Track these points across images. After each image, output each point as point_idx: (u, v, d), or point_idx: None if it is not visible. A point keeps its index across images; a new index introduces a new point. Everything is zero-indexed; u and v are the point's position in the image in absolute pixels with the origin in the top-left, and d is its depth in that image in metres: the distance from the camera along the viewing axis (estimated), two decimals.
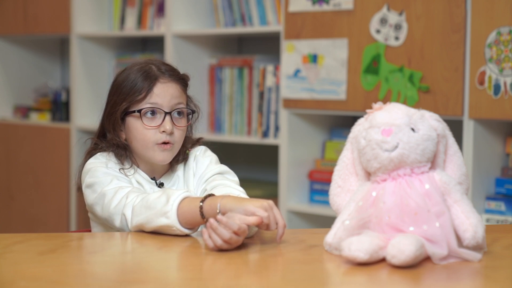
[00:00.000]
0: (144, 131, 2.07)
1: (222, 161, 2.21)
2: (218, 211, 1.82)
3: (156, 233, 1.90)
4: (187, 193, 1.89)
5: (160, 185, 2.13)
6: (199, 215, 1.84)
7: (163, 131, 2.06)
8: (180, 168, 2.16)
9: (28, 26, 4.62)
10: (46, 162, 4.54)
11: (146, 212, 1.89)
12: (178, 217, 1.85)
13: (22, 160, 4.64)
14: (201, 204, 1.84)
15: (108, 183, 2.01)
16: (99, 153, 2.12)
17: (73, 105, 4.44)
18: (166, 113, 2.07)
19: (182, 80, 2.13)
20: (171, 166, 2.16)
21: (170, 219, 1.85)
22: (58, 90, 4.70)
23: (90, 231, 2.16)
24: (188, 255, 1.77)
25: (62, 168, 4.45)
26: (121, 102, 2.08)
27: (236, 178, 2.13)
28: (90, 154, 2.13)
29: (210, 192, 1.96)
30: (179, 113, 2.10)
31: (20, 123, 4.73)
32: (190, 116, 2.14)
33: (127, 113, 2.09)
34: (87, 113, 4.44)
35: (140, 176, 2.11)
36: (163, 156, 2.08)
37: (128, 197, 1.96)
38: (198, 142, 2.21)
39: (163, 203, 1.86)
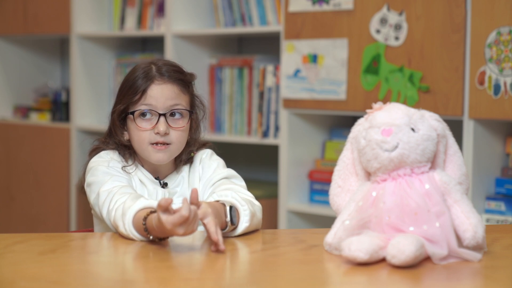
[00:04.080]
0: (139, 132, 2.08)
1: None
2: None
3: None
4: (138, 206, 1.86)
5: (164, 185, 2.13)
6: (148, 236, 1.83)
7: (157, 133, 2.06)
8: (185, 170, 2.16)
9: (28, 26, 4.62)
10: (46, 162, 4.54)
11: (118, 229, 1.91)
12: (140, 235, 1.85)
13: (22, 160, 4.64)
14: (144, 226, 1.81)
15: (105, 183, 2.02)
16: (103, 152, 2.13)
17: (73, 105, 4.45)
18: (160, 115, 2.07)
19: (181, 81, 2.11)
20: (176, 166, 2.16)
21: (136, 238, 1.86)
22: (58, 90, 4.70)
23: (90, 230, 2.16)
24: (188, 255, 1.77)
25: (62, 168, 4.45)
26: (119, 102, 2.09)
27: (243, 183, 2.12)
28: (95, 152, 2.14)
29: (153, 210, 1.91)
30: (176, 114, 2.09)
31: (20, 123, 4.73)
32: (190, 116, 2.13)
33: (126, 114, 2.09)
34: (87, 113, 4.44)
35: (144, 176, 2.11)
36: (158, 157, 2.08)
37: (112, 202, 1.96)
38: (205, 145, 2.20)
39: (122, 225, 1.88)
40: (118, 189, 1.99)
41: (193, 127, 2.16)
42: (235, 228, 1.92)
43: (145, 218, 1.81)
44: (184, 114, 2.10)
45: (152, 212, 1.81)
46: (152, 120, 2.07)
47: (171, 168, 2.16)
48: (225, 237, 1.89)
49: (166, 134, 2.07)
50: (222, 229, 1.88)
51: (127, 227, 1.86)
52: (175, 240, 1.86)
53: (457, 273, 1.61)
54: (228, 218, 1.88)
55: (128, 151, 2.12)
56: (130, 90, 2.08)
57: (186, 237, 1.87)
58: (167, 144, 2.08)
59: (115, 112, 2.10)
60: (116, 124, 2.11)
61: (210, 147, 2.21)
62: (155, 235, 1.81)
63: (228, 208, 1.90)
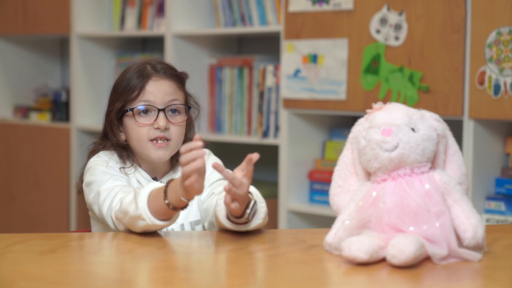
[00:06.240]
0: (139, 129, 2.08)
1: (223, 161, 2.20)
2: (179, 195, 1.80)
3: (156, 233, 1.91)
4: (151, 186, 1.87)
5: None
6: (168, 209, 1.82)
7: (157, 128, 2.07)
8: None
9: (28, 26, 4.62)
10: (46, 162, 4.54)
11: (125, 218, 1.89)
12: (153, 215, 1.84)
13: (22, 160, 4.64)
14: (165, 198, 1.82)
15: (105, 182, 2.02)
16: (102, 152, 2.13)
17: (73, 105, 4.45)
18: (159, 110, 2.07)
19: (177, 77, 2.13)
20: (173, 166, 2.16)
21: (146, 220, 1.84)
22: (58, 90, 4.70)
23: (90, 231, 2.16)
24: (188, 255, 1.77)
25: (62, 168, 4.45)
26: (116, 101, 2.10)
27: None
28: (93, 153, 2.15)
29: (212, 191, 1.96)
30: (175, 110, 2.10)
31: (20, 123, 4.73)
32: (187, 112, 2.14)
33: (123, 112, 2.10)
34: (87, 113, 4.44)
35: (141, 176, 2.12)
36: (159, 154, 2.09)
37: (115, 199, 1.96)
38: None
39: (134, 208, 1.86)
40: (120, 188, 1.99)
41: (190, 125, 2.17)
42: (247, 222, 1.91)
43: (168, 183, 1.81)
44: (182, 110, 2.12)
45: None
46: (151, 116, 2.08)
47: (168, 167, 2.16)
48: (234, 230, 1.90)
49: (166, 129, 2.08)
50: (239, 216, 1.87)
51: (141, 205, 1.83)
52: (174, 240, 1.86)
53: (457, 273, 1.61)
54: (249, 210, 1.88)
55: (126, 153, 2.12)
56: (126, 89, 2.09)
57: (185, 238, 1.87)
58: (167, 140, 2.08)
59: (112, 111, 2.11)
60: (114, 124, 2.11)
61: (206, 147, 2.22)
62: (171, 200, 1.80)
63: (252, 202, 1.88)
